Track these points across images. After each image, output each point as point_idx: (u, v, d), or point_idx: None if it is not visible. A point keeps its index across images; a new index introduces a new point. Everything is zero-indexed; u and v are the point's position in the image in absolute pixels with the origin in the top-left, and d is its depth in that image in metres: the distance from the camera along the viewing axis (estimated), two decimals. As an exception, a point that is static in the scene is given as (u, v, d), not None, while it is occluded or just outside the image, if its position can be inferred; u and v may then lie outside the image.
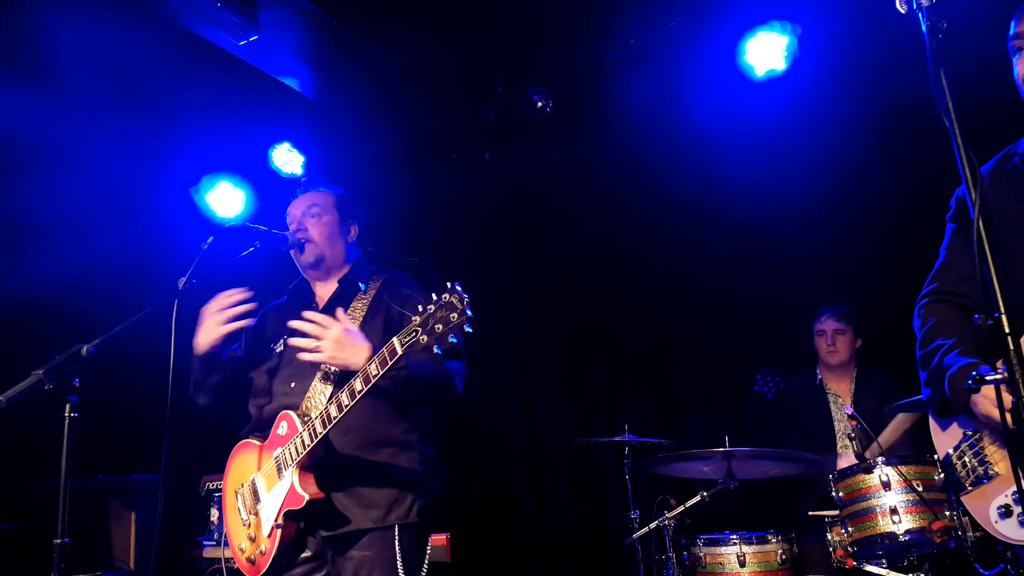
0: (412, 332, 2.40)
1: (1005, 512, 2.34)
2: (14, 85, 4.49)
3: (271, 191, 5.95)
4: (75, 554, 2.42)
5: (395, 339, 2.46)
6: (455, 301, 2.37)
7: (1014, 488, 2.30)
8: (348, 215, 3.32)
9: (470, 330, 2.39)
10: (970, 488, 2.44)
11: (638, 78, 5.45)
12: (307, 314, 2.81)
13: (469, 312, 2.36)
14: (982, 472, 2.40)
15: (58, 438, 2.45)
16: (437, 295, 2.40)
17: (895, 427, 4.64)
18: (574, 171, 6.27)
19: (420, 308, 2.41)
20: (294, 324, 2.80)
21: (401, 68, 5.46)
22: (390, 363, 2.49)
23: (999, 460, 2.36)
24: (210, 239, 2.93)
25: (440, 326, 2.36)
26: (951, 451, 2.51)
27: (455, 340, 2.40)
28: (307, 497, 2.69)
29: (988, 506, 2.39)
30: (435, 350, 2.40)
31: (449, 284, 2.41)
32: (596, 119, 5.82)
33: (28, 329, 4.61)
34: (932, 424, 2.63)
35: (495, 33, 5.25)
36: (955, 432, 2.52)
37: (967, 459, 2.45)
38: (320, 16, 4.80)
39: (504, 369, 6.67)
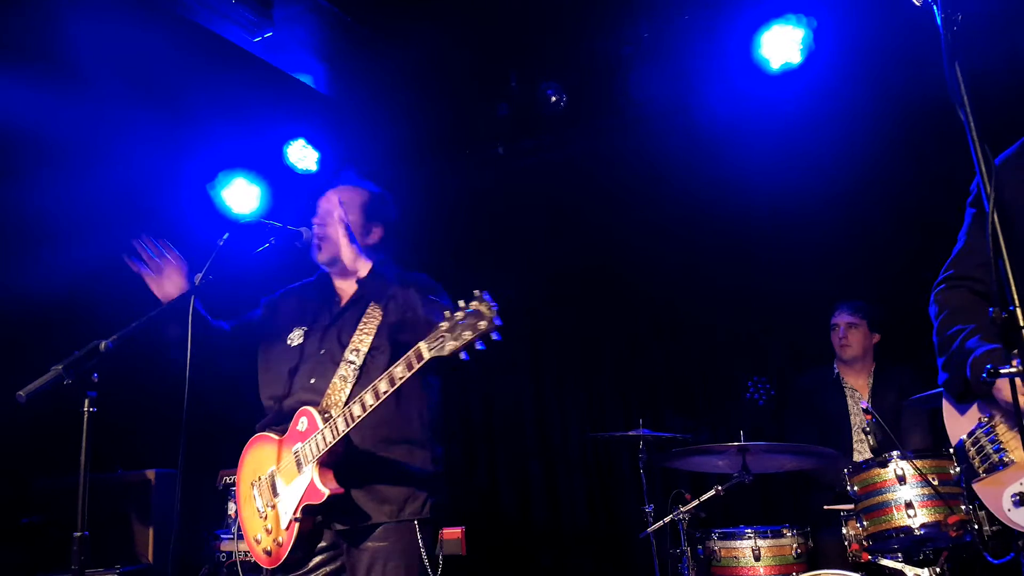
0: (439, 338, 2.42)
1: (1020, 500, 2.32)
2: (34, 81, 4.52)
3: (286, 187, 5.97)
4: (94, 548, 2.45)
5: (422, 344, 2.48)
6: (484, 309, 2.38)
7: None
8: (373, 216, 3.29)
9: (498, 338, 2.40)
10: (983, 475, 2.43)
11: (652, 72, 5.44)
12: None
13: (498, 321, 2.38)
14: (996, 459, 2.38)
15: (77, 433, 2.48)
16: (466, 301, 2.41)
17: None
18: (588, 165, 6.26)
19: (447, 314, 2.43)
20: None
21: (415, 63, 5.47)
22: (416, 367, 2.52)
23: (1015, 448, 2.35)
24: (226, 235, 2.96)
25: (468, 333, 2.38)
26: (965, 437, 2.49)
27: (482, 347, 2.40)
28: (327, 493, 2.73)
29: (1001, 494, 2.37)
30: (462, 356, 2.41)
31: (477, 292, 2.42)
32: (610, 113, 5.81)
33: (47, 325, 4.65)
34: (947, 409, 2.61)
35: (509, 28, 5.25)
36: (972, 417, 2.50)
37: (982, 445, 2.43)
38: (334, 12, 4.82)
39: (518, 364, 6.67)
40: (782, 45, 5.06)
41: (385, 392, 2.60)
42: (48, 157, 4.89)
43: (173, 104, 5.22)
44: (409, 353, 2.53)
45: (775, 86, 5.30)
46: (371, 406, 2.64)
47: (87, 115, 4.85)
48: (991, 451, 2.40)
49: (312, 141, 5.94)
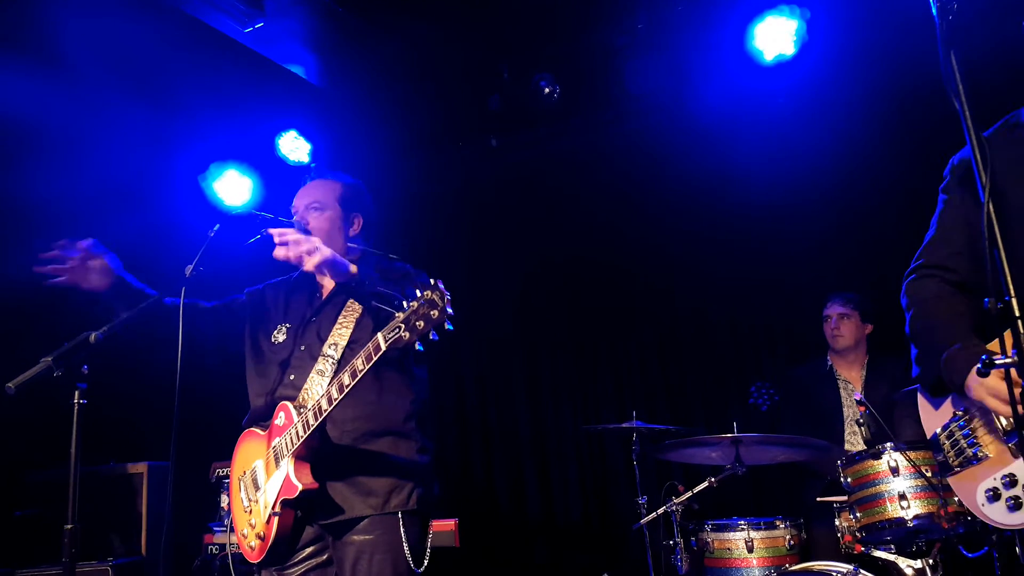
0: (395, 328, 2.41)
1: (993, 496, 2.30)
2: (24, 71, 4.49)
3: (278, 179, 5.95)
4: (87, 541, 2.44)
5: (379, 335, 2.47)
6: (436, 298, 2.35)
7: (1003, 472, 2.28)
8: (352, 207, 3.25)
9: (451, 328, 2.38)
10: (957, 469, 2.41)
11: (647, 63, 5.43)
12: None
13: (450, 310, 2.35)
14: (971, 454, 2.36)
15: (71, 425, 2.46)
16: (421, 290, 2.39)
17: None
18: (582, 158, 6.25)
19: (404, 304, 2.41)
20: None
21: (407, 55, 5.45)
22: (375, 358, 2.51)
23: (989, 443, 2.33)
24: (217, 227, 2.93)
25: (422, 323, 2.36)
26: (939, 431, 2.47)
27: (436, 337, 2.38)
28: (300, 487, 2.72)
29: (975, 489, 2.35)
30: (417, 346, 2.40)
31: (432, 281, 2.39)
32: (604, 105, 5.80)
33: (36, 316, 4.62)
34: (922, 402, 2.59)
35: (501, 19, 5.23)
36: (946, 411, 2.48)
37: (956, 439, 2.42)
38: (325, 3, 4.79)
39: (512, 356, 6.67)
40: (776, 36, 5.05)
41: (348, 385, 2.59)
42: (38, 148, 4.87)
43: (164, 95, 5.20)
44: (368, 345, 2.53)
45: (769, 78, 5.30)
46: (336, 399, 2.63)
47: (78, 106, 4.82)
48: (965, 446, 2.38)
49: (304, 132, 5.91)
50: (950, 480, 2.44)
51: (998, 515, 2.31)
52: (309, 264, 2.68)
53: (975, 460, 2.35)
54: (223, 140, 5.81)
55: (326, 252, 2.69)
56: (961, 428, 2.40)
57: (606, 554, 6.01)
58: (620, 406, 6.16)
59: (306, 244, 2.69)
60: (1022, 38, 2.43)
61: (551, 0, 5.11)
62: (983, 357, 1.85)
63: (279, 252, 2.72)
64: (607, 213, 6.24)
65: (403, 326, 2.39)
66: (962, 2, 1.93)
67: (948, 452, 2.44)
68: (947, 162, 2.59)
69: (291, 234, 2.70)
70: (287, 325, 3.17)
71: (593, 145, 6.17)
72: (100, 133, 5.05)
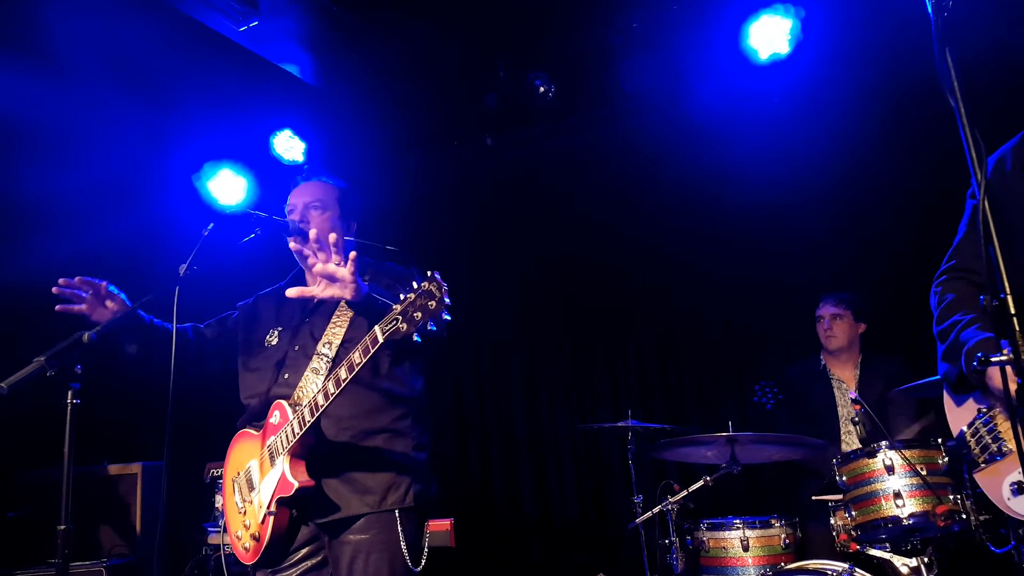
0: (392, 320, 2.40)
1: (1018, 489, 2.35)
2: (17, 69, 4.48)
3: (272, 178, 5.93)
4: (80, 541, 2.43)
5: (376, 327, 2.46)
6: (433, 289, 2.35)
7: None
8: (350, 210, 3.29)
9: (448, 318, 2.38)
10: (983, 465, 2.46)
11: (641, 62, 5.43)
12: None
13: (447, 300, 2.35)
14: (995, 449, 2.40)
15: (64, 425, 2.45)
16: (418, 282, 2.39)
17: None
18: (577, 156, 6.25)
19: (401, 296, 2.41)
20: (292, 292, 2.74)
21: (402, 54, 5.44)
22: (372, 351, 2.50)
23: (1012, 437, 2.37)
24: (211, 225, 2.92)
25: (419, 314, 2.35)
26: (965, 428, 2.52)
27: (434, 328, 2.38)
28: (296, 484, 2.70)
29: (1001, 483, 2.40)
30: (415, 338, 2.39)
31: (429, 272, 2.39)
32: (599, 104, 5.80)
33: (30, 315, 4.60)
34: (947, 400, 2.64)
35: (496, 17, 5.22)
36: (970, 408, 2.52)
37: (981, 435, 2.46)
38: (320, 1, 4.78)
39: (508, 355, 6.66)
40: (770, 35, 5.06)
41: (345, 379, 2.58)
42: (33, 146, 4.85)
43: (159, 94, 5.18)
44: (365, 338, 2.51)
45: (764, 77, 5.30)
46: (333, 394, 2.62)
47: (73, 104, 4.80)
48: (990, 441, 2.43)
49: (299, 132, 5.90)
50: (977, 476, 2.49)
51: (1023, 508, 2.34)
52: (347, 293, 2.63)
53: (1000, 455, 2.40)
54: (217, 139, 5.79)
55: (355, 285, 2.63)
56: (986, 424, 2.45)
57: (602, 553, 6.00)
58: (616, 405, 6.15)
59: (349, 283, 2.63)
60: (1017, 35, 2.45)
61: (547, -1, 5.11)
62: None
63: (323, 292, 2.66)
64: (603, 212, 6.23)
65: (400, 318, 2.38)
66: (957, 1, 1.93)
67: (974, 448, 2.49)
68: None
69: (338, 271, 2.61)
70: (279, 328, 3.16)
71: (589, 144, 6.17)
72: (95, 131, 5.04)
